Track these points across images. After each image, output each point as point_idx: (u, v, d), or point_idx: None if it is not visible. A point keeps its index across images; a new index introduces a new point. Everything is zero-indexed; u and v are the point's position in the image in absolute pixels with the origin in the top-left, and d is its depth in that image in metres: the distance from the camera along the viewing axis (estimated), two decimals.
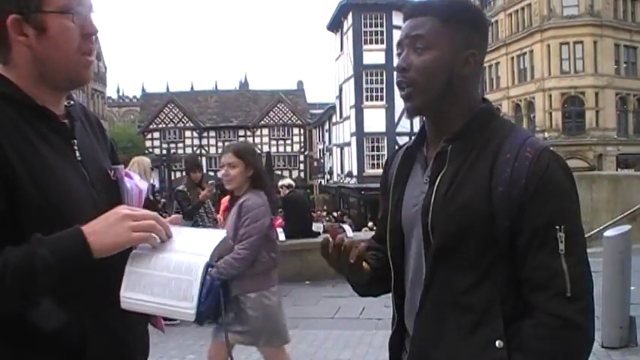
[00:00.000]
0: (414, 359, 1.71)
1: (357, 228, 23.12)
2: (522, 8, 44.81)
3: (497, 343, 1.52)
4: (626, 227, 6.02)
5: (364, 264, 1.76)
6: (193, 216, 7.82)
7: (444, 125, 1.66)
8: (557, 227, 1.48)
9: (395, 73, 1.71)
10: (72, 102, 1.67)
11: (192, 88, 68.52)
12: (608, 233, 5.98)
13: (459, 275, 1.58)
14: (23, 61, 1.50)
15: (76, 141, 1.60)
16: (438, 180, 1.62)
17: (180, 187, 8.38)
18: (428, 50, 1.61)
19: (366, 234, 15.11)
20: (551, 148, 1.59)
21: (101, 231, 1.41)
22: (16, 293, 1.33)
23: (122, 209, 1.47)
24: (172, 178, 44.89)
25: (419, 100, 1.65)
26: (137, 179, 1.75)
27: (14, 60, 1.50)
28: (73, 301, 1.42)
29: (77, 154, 1.58)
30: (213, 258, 1.50)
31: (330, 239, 1.66)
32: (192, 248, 1.49)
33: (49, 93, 1.55)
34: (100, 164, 1.68)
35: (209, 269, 1.47)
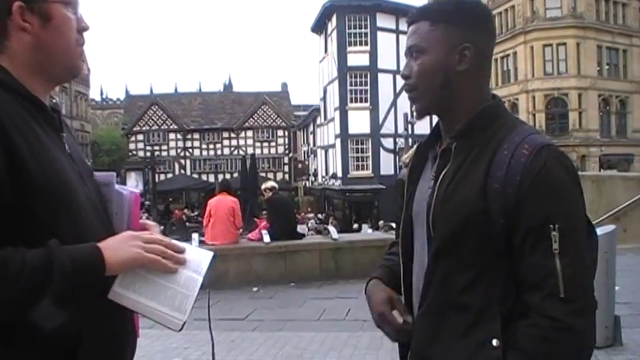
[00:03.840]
0: (414, 359, 1.71)
1: (342, 230, 23.10)
2: (506, 10, 45.12)
3: (493, 342, 1.50)
4: (611, 227, 6.04)
5: None
6: None
7: (451, 122, 1.70)
8: (551, 226, 1.46)
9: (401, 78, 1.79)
10: (54, 99, 1.67)
11: (176, 90, 68.25)
12: None
13: (457, 274, 1.58)
14: (22, 50, 1.50)
15: (64, 135, 1.59)
16: (440, 177, 1.64)
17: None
18: (422, 55, 1.67)
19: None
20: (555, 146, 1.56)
21: (115, 247, 1.46)
22: (28, 293, 1.32)
23: (129, 232, 1.53)
24: (157, 180, 44.81)
25: (422, 102, 1.71)
26: (130, 185, 1.74)
27: (11, 48, 1.49)
28: (68, 296, 1.40)
29: (66, 147, 1.57)
30: (205, 278, 1.56)
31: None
32: (189, 264, 1.56)
33: (41, 84, 1.55)
34: (84, 161, 1.68)
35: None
